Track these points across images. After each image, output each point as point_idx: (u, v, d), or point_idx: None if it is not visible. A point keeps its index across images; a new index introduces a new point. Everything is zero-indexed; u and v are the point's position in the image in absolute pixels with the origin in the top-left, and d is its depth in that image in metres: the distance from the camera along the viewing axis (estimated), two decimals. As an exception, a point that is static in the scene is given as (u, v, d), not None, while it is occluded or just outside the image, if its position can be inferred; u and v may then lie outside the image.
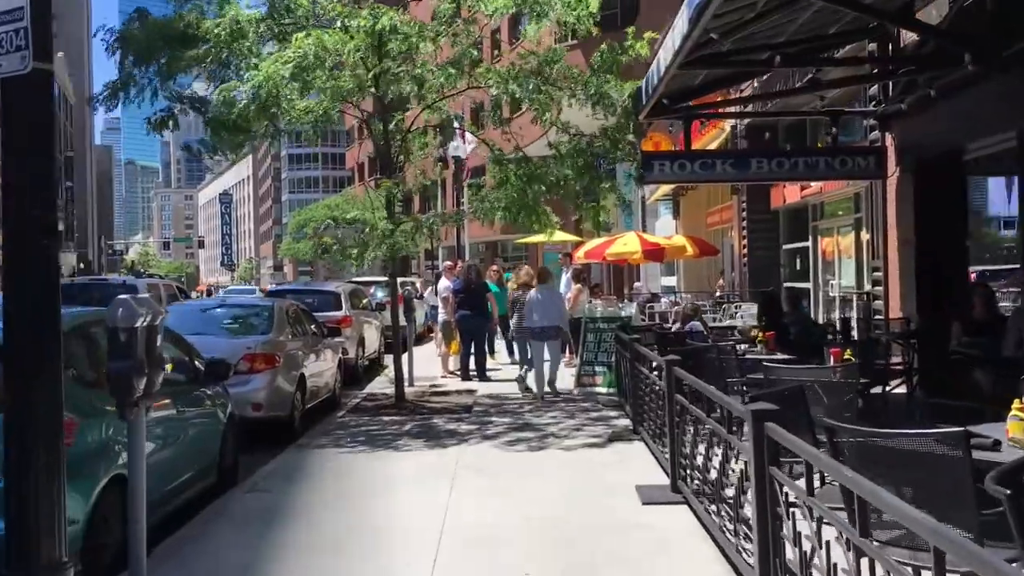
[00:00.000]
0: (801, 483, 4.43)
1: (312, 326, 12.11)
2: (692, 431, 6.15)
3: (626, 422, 9.90)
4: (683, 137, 12.32)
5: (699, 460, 5.88)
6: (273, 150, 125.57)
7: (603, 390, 12.50)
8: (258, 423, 9.56)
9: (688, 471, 6.35)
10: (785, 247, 19.42)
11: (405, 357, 13.53)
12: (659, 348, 9.23)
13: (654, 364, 7.87)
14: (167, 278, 39.33)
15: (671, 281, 28.35)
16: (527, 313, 12.59)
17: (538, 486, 7.30)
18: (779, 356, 8.89)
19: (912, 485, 3.60)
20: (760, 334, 9.74)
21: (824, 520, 3.54)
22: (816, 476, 4.89)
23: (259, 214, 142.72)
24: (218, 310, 11.83)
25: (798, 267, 18.84)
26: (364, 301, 18.56)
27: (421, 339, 21.85)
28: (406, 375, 13.13)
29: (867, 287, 14.32)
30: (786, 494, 3.96)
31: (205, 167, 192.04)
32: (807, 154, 12.21)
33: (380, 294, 20.79)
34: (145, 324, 4.27)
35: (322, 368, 11.76)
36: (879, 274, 12.68)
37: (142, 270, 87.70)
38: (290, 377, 10.28)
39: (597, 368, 12.92)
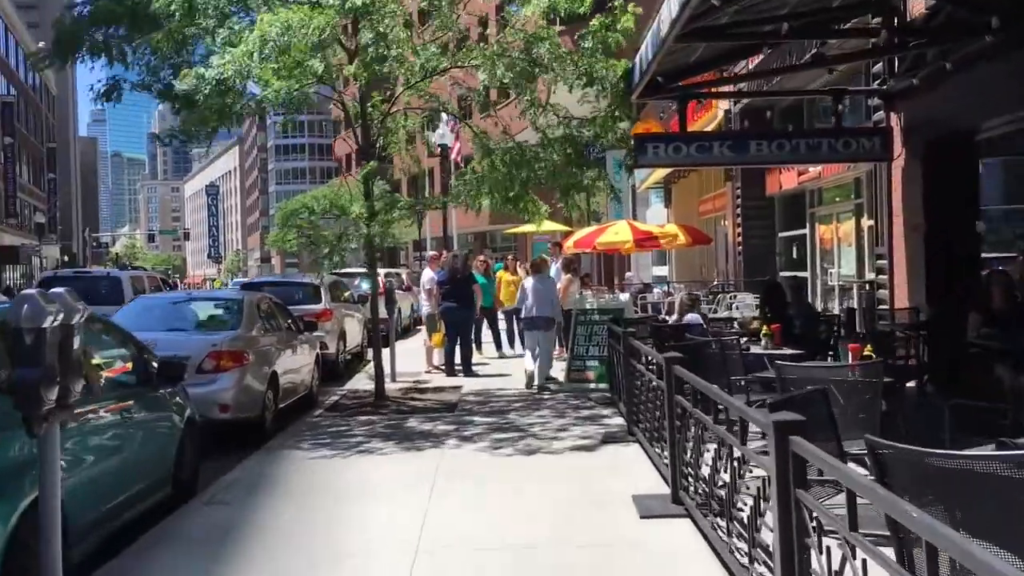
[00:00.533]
0: (831, 499, 3.84)
1: (287, 320, 11.46)
2: (695, 435, 5.52)
3: (620, 421, 9.27)
4: (677, 118, 11.70)
5: (704, 470, 5.25)
6: (259, 141, 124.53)
7: (595, 386, 11.88)
8: (226, 425, 8.96)
9: (691, 480, 5.71)
10: (781, 235, 18.86)
11: (388, 352, 12.93)
12: (655, 342, 8.57)
13: (651, 361, 7.22)
14: (152, 271, 38.49)
15: (663, 271, 27.78)
16: (520, 302, 12.75)
17: (526, 497, 6.64)
18: (786, 351, 8.27)
19: (974, 512, 2.98)
20: (765, 327, 9.09)
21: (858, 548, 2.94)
22: (826, 481, 4.32)
23: (246, 206, 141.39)
24: (184, 305, 11.12)
25: (795, 255, 18.27)
26: (346, 293, 17.91)
27: (408, 332, 21.23)
28: (388, 371, 12.53)
29: (869, 275, 13.74)
30: (817, 520, 3.33)
31: (191, 158, 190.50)
32: (809, 136, 11.54)
33: (364, 286, 20.09)
34: (56, 324, 3.61)
35: (297, 364, 11.11)
36: (883, 262, 12.09)
37: (127, 263, 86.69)
38: (261, 375, 9.62)
39: (588, 362, 12.29)
